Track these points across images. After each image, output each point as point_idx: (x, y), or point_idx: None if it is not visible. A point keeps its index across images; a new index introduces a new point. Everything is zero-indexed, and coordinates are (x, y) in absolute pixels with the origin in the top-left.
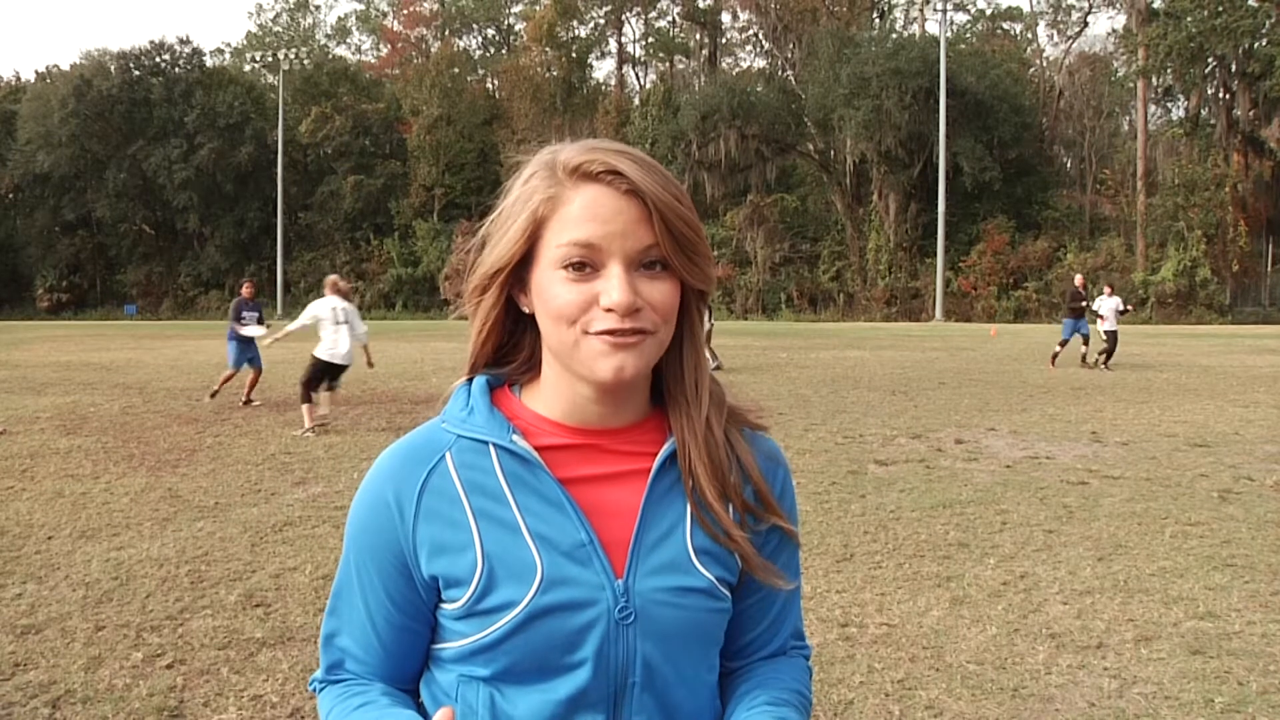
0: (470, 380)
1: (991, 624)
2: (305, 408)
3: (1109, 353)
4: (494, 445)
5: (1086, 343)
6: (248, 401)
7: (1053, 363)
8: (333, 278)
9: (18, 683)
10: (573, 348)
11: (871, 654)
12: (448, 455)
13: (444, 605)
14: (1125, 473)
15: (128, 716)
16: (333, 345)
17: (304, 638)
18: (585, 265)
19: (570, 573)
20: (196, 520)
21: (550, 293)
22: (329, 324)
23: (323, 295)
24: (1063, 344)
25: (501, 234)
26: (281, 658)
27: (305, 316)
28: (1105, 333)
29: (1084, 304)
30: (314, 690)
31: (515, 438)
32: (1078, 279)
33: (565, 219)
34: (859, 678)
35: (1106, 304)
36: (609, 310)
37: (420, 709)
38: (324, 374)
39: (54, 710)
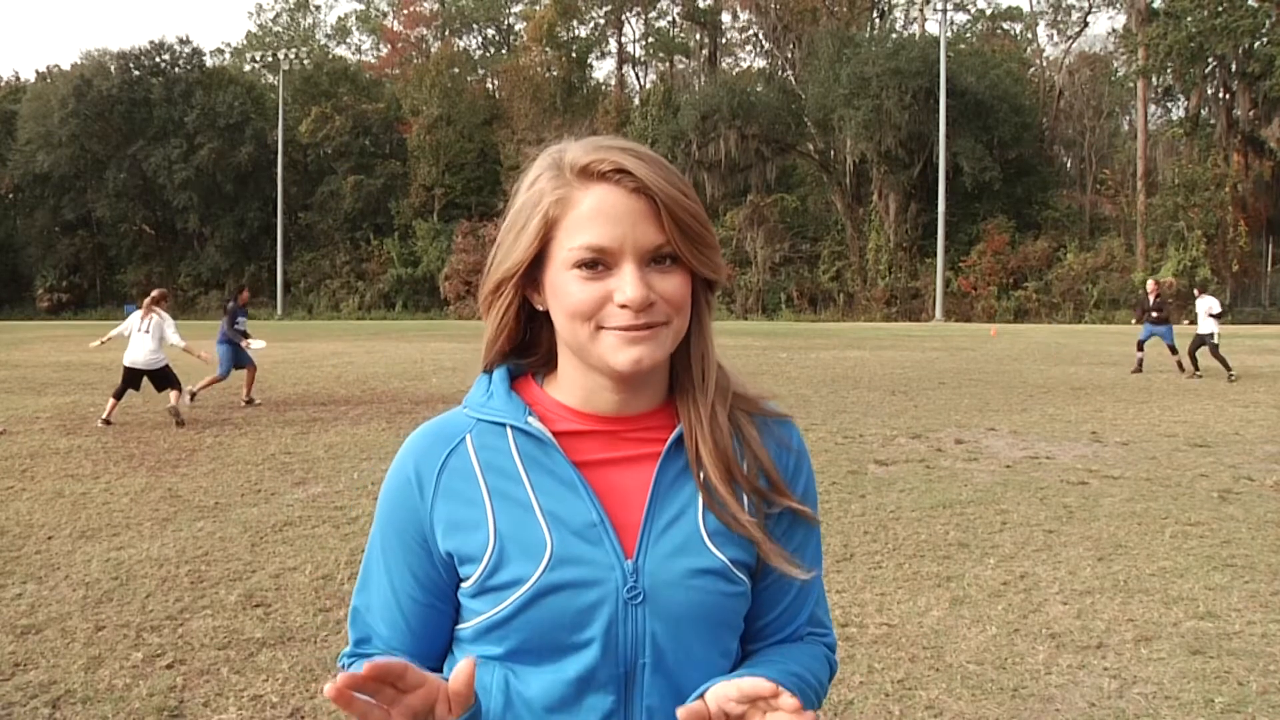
0: (491, 371)
1: (991, 624)
2: (111, 401)
3: (1223, 360)
4: (511, 427)
5: (1174, 350)
6: (249, 401)
7: (1183, 369)
8: (157, 291)
9: (18, 683)
10: (588, 343)
11: (871, 654)
12: (468, 437)
13: (461, 585)
14: (1125, 473)
15: (128, 716)
16: (130, 350)
17: (304, 638)
18: (598, 264)
19: (580, 551)
20: (196, 520)
21: (564, 291)
22: (133, 331)
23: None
24: (1173, 349)
25: (515, 237)
26: (281, 658)
27: (123, 325)
28: (1199, 336)
29: (1147, 311)
30: (342, 667)
31: (531, 419)
32: (1150, 284)
33: (576, 220)
34: (859, 678)
35: (1200, 305)
36: (624, 306)
37: None
38: (128, 378)
39: (54, 710)
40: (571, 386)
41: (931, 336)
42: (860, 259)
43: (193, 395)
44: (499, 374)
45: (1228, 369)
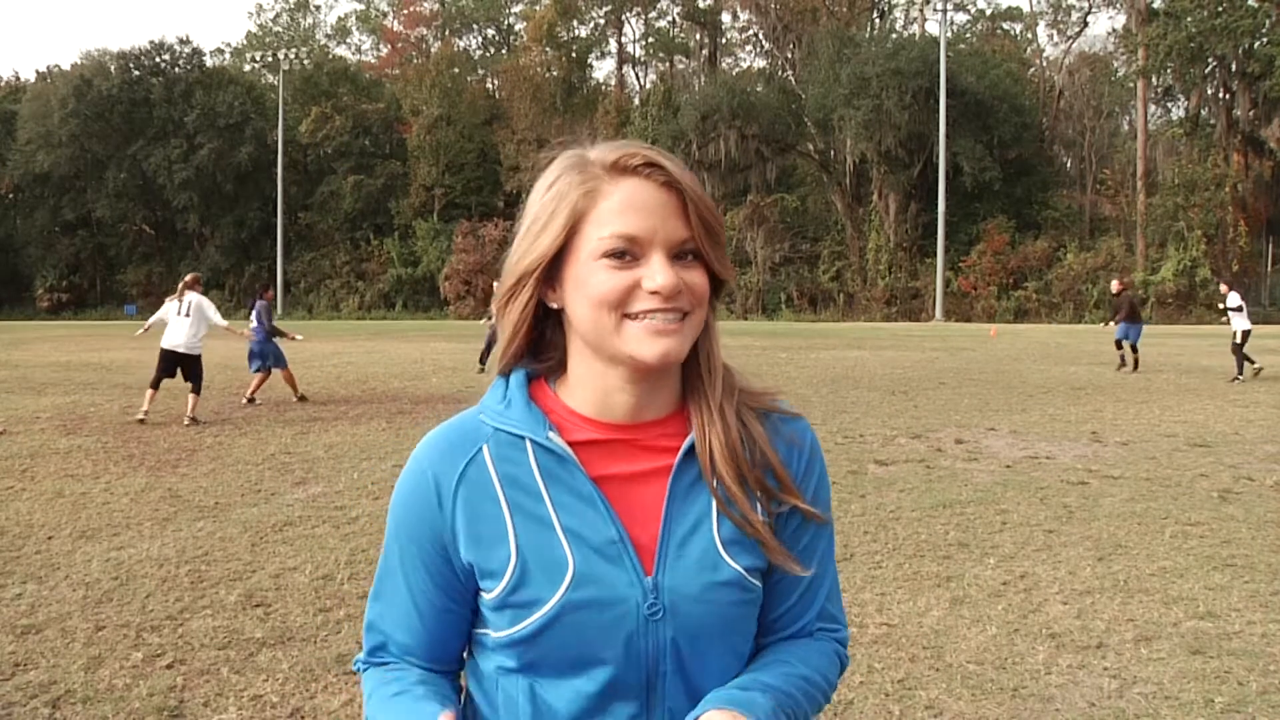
0: (507, 374)
1: (991, 624)
2: (149, 392)
3: (1242, 359)
4: (530, 441)
5: (1134, 350)
6: (250, 400)
7: (1136, 368)
8: (190, 275)
9: (18, 683)
10: (613, 333)
11: (871, 654)
12: (485, 448)
13: (481, 594)
14: (1125, 473)
15: (128, 716)
16: (169, 333)
17: (304, 638)
18: (627, 254)
19: (600, 570)
20: (196, 520)
21: (593, 280)
22: (172, 315)
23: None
24: (1133, 348)
25: (538, 233)
26: (281, 658)
27: (161, 311)
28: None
29: (1119, 311)
30: (357, 670)
31: (551, 435)
32: (1115, 284)
33: (606, 212)
34: (859, 678)
35: (1232, 301)
36: (654, 293)
37: (466, 694)
38: (167, 362)
39: (54, 710)
40: (586, 390)
41: (931, 336)
42: (860, 259)
43: (301, 398)
44: (516, 380)
45: (1239, 372)
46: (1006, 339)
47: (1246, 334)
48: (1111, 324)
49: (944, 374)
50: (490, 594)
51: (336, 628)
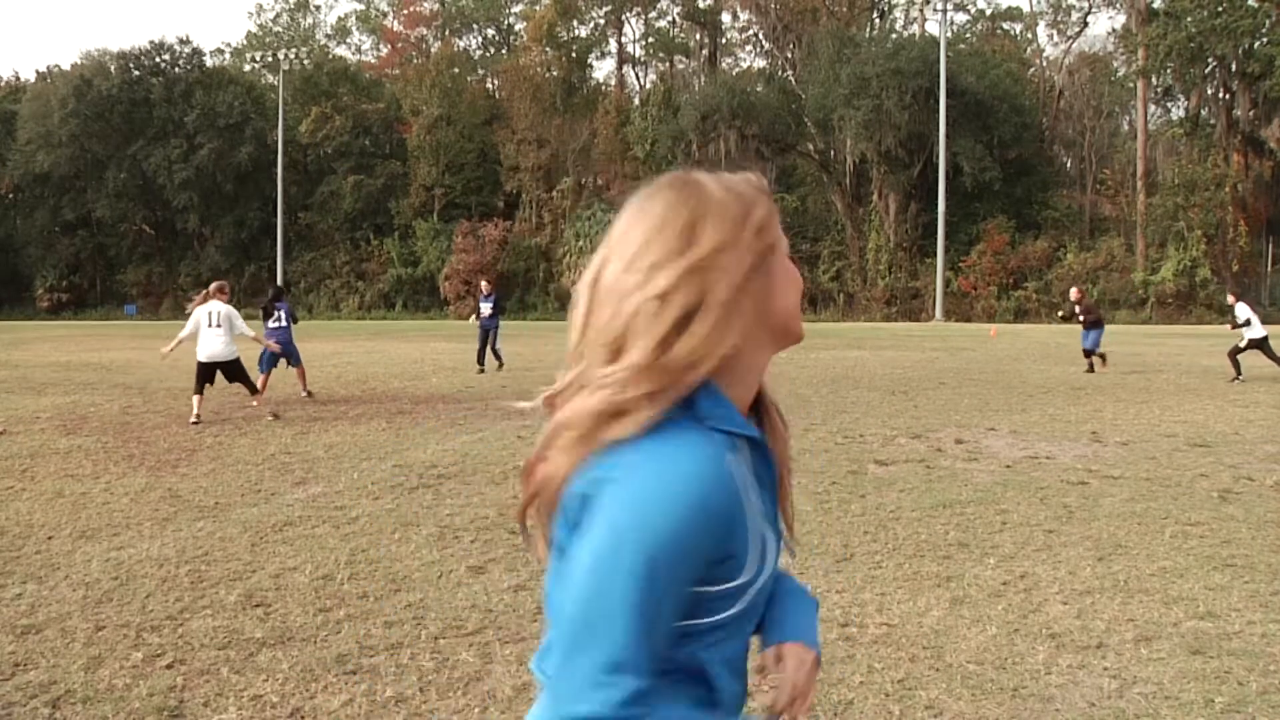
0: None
1: (991, 624)
2: (195, 399)
3: (1236, 363)
4: (749, 441)
5: (1089, 353)
6: (310, 394)
7: (1104, 362)
8: (215, 284)
9: (18, 683)
10: (795, 316)
11: (871, 654)
12: (730, 456)
13: (710, 585)
14: (1125, 473)
15: (128, 716)
16: (205, 346)
17: (304, 638)
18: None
19: (773, 544)
20: (196, 520)
21: (794, 274)
22: (203, 327)
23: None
24: (1086, 353)
25: (755, 230)
26: (281, 658)
27: (190, 323)
28: (1253, 340)
29: (1074, 316)
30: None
31: (761, 434)
32: (1074, 291)
33: (778, 222)
34: (859, 678)
35: (1242, 312)
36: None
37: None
38: (207, 372)
39: (54, 710)
40: (746, 381)
41: (931, 336)
42: (860, 259)
43: (310, 394)
44: (714, 386)
45: (1237, 373)
46: (1006, 339)
47: (1258, 341)
48: (1060, 317)
49: (944, 374)
50: (724, 584)
51: (336, 628)
